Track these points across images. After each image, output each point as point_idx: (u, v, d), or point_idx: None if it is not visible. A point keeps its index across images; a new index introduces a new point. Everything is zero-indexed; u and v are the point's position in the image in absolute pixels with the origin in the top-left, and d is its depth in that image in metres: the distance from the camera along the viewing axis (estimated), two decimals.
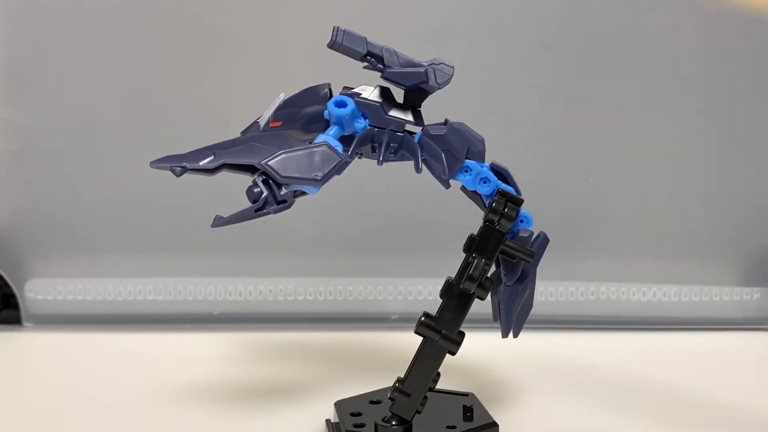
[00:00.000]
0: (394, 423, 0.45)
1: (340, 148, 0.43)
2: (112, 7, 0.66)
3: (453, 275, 0.45)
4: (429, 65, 0.44)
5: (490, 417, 0.48)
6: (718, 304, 0.70)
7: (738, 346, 0.66)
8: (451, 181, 0.45)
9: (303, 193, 0.44)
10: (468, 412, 0.47)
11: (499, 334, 0.47)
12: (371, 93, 0.45)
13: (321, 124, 0.44)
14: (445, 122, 0.46)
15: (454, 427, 0.46)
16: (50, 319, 0.68)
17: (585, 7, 0.67)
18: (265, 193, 0.42)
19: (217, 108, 0.66)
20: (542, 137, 0.68)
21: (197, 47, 0.66)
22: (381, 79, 0.45)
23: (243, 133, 0.46)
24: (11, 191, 0.68)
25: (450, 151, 0.45)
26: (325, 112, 0.44)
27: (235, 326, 0.68)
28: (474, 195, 0.46)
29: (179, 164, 0.42)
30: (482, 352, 0.60)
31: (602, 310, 0.69)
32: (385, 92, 0.45)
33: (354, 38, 0.44)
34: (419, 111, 0.46)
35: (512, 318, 0.47)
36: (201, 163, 0.42)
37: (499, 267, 0.46)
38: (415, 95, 0.45)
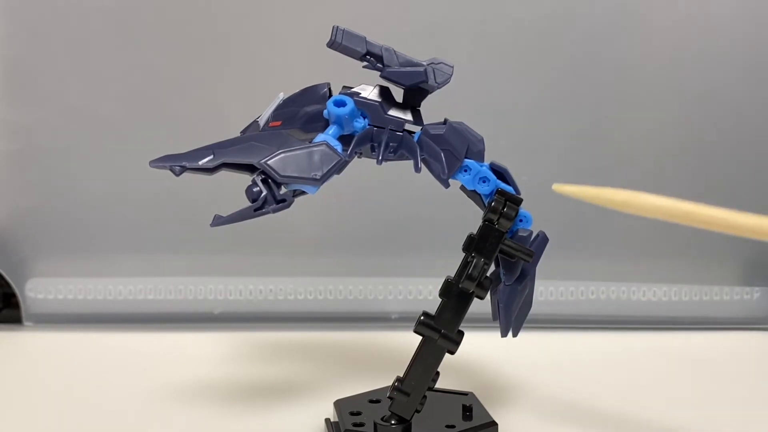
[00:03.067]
0: (393, 422, 0.45)
1: (339, 147, 0.43)
2: (112, 6, 0.66)
3: (452, 275, 0.45)
4: (428, 64, 0.44)
5: (489, 416, 0.48)
6: (718, 304, 0.70)
7: (738, 346, 0.66)
8: (450, 181, 0.46)
9: (302, 193, 0.44)
10: (467, 411, 0.47)
11: (498, 333, 0.47)
12: (371, 92, 0.45)
13: (320, 123, 0.44)
14: (445, 121, 0.46)
15: (453, 426, 0.46)
16: (50, 319, 0.68)
17: (585, 6, 0.67)
18: (265, 192, 0.42)
19: (217, 108, 0.66)
20: (542, 136, 0.68)
21: (197, 47, 0.66)
22: (380, 79, 0.45)
23: (242, 132, 0.46)
24: (11, 191, 0.68)
25: (449, 151, 0.45)
26: (325, 112, 0.44)
27: (235, 326, 0.68)
28: (473, 194, 0.46)
29: (178, 163, 0.42)
30: (481, 352, 0.60)
31: (602, 310, 0.69)
32: (384, 91, 0.45)
33: (353, 37, 0.44)
34: (418, 110, 0.46)
35: (511, 317, 0.47)
36: (200, 163, 0.42)
37: (499, 266, 0.46)
38: (415, 94, 0.45)
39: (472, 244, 0.44)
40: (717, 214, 0.39)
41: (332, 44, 0.44)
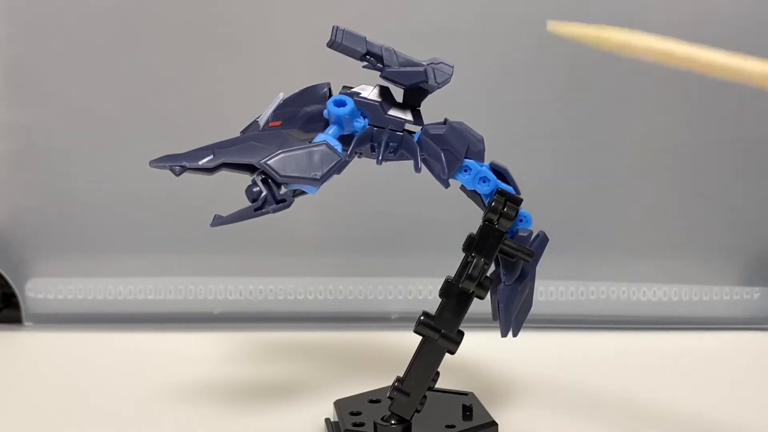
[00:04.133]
0: (393, 422, 0.45)
1: (339, 147, 0.43)
2: (112, 7, 0.66)
3: (452, 275, 0.45)
4: (428, 64, 0.44)
5: (489, 416, 0.48)
6: (718, 304, 0.70)
7: (738, 346, 0.66)
8: (450, 181, 0.46)
9: (302, 193, 0.44)
10: (467, 412, 0.47)
11: (498, 333, 0.47)
12: (371, 92, 0.45)
13: (320, 123, 0.44)
14: (445, 121, 0.46)
15: (453, 426, 0.46)
16: (50, 319, 0.68)
17: (585, 6, 0.66)
18: (265, 192, 0.42)
19: (217, 108, 0.66)
20: (542, 136, 0.68)
21: (197, 47, 0.66)
22: (380, 79, 0.45)
23: (242, 132, 0.46)
24: (11, 191, 0.68)
25: (449, 151, 0.45)
26: (325, 112, 0.44)
27: (235, 325, 0.68)
28: (473, 194, 0.46)
29: (178, 163, 0.42)
30: (481, 352, 0.60)
31: (602, 310, 0.69)
32: (384, 91, 0.45)
33: (353, 37, 0.44)
34: (419, 110, 0.46)
35: (511, 317, 0.47)
36: (200, 163, 0.42)
37: (499, 266, 0.46)
38: (415, 94, 0.45)
39: (472, 244, 0.44)
40: (719, 59, 0.37)
41: (332, 44, 0.44)
